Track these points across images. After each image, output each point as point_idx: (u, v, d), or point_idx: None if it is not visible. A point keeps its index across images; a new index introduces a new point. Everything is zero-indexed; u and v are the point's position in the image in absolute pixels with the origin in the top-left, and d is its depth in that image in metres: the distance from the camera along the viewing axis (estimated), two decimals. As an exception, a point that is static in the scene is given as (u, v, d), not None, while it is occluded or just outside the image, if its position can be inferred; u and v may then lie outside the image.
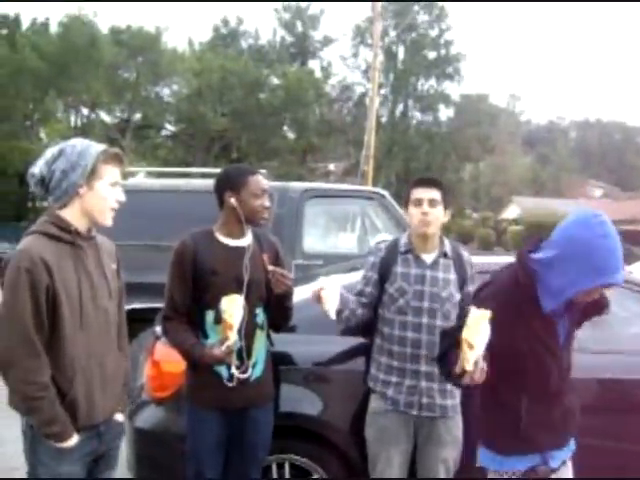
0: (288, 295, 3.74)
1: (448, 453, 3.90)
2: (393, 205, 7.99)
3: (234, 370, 3.63)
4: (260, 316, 3.76)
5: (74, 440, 2.99)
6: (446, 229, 4.01)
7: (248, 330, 3.64)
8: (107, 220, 3.12)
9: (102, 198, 3.06)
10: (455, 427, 3.94)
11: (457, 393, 3.95)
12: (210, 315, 3.66)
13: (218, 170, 9.78)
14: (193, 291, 3.66)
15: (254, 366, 3.72)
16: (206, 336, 3.67)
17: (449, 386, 3.89)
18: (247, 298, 3.54)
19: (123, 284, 3.43)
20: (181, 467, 4.22)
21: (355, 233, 8.82)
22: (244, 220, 3.68)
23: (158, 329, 4.67)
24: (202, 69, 40.90)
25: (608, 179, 76.16)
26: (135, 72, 40.51)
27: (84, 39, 34.95)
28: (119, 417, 3.32)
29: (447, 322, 3.88)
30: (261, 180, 3.72)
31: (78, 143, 3.08)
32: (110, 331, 3.22)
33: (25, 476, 3.13)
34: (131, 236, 7.16)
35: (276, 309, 3.80)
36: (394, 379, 3.91)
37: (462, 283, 3.97)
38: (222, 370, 3.62)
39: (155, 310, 6.20)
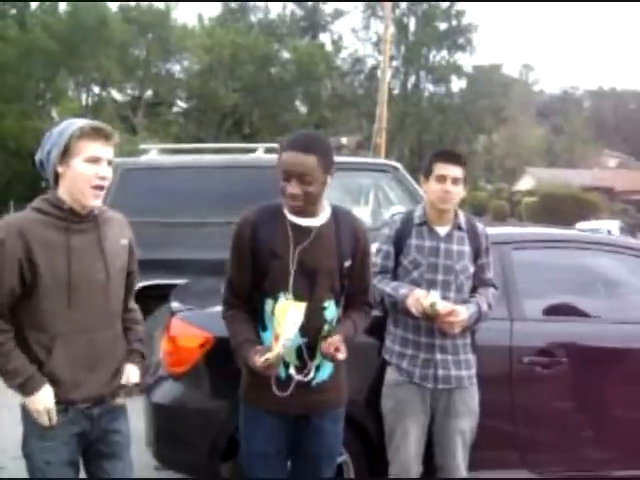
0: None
1: (465, 424, 3.90)
2: (406, 177, 7.95)
3: (292, 372, 3.15)
4: (330, 310, 3.19)
5: (45, 393, 2.93)
6: (460, 201, 3.98)
7: (313, 326, 3.09)
8: (89, 199, 2.97)
9: (78, 174, 2.94)
10: (470, 398, 3.94)
11: (473, 363, 3.96)
12: (270, 304, 3.13)
13: (230, 145, 9.76)
14: (253, 275, 3.17)
15: (318, 369, 3.20)
16: (264, 327, 3.18)
17: (464, 357, 3.91)
18: (310, 288, 3.11)
19: (135, 261, 3.33)
20: (199, 441, 4.29)
21: (369, 206, 8.79)
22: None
23: (174, 304, 4.69)
24: (212, 45, 40.83)
25: (623, 149, 75.54)
26: (145, 49, 40.59)
27: (94, 17, 34.95)
28: (119, 400, 3.20)
29: (461, 294, 3.89)
30: (288, 160, 3.02)
31: (64, 123, 3.03)
32: (108, 308, 3.12)
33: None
34: (145, 212, 7.18)
35: None
36: (409, 351, 3.90)
37: (476, 255, 3.95)
38: (280, 370, 3.12)
39: (170, 286, 6.25)
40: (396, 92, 48.79)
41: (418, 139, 49.05)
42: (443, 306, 3.66)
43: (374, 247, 4.04)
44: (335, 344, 3.00)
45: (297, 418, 3.23)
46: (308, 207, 3.09)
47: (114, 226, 3.19)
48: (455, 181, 3.81)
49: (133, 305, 3.43)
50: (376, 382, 4.09)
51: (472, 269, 3.93)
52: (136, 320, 3.40)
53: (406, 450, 3.89)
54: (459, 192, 3.84)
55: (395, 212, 4.59)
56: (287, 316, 2.93)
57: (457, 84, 53.18)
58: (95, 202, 3.00)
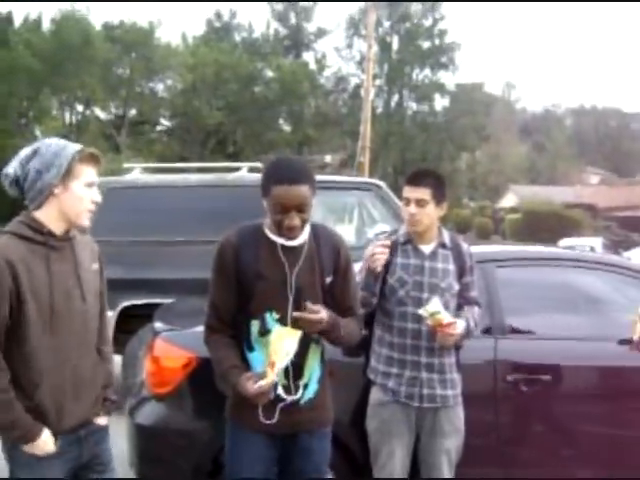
0: (327, 333, 3.16)
1: (451, 443, 3.89)
2: (390, 196, 7.97)
3: (280, 391, 3.13)
4: None
5: (44, 438, 2.90)
6: (443, 219, 4.00)
7: (300, 345, 3.03)
8: (84, 221, 3.03)
9: (78, 198, 2.97)
10: (456, 417, 3.93)
11: (458, 383, 3.95)
12: (255, 325, 3.14)
13: (214, 164, 9.77)
14: (238, 297, 3.14)
15: (306, 387, 3.21)
16: (251, 349, 3.17)
17: (449, 376, 3.90)
18: (296, 308, 3.08)
19: (105, 285, 3.29)
20: (183, 463, 4.26)
21: (352, 224, 8.80)
22: (275, 229, 3.13)
23: (157, 325, 4.67)
24: (196, 63, 40.92)
25: (605, 166, 76.08)
26: (129, 68, 40.64)
27: (77, 36, 35.00)
28: (101, 420, 3.20)
29: (446, 312, 3.88)
30: (284, 195, 2.99)
31: (53, 142, 3.00)
32: (87, 335, 3.10)
33: None
34: (129, 232, 7.17)
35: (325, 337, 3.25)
36: (394, 370, 3.89)
37: (461, 273, 3.96)
38: None
39: (153, 306, 6.23)
40: (380, 110, 48.99)
41: (402, 157, 49.20)
42: (446, 316, 3.64)
43: (358, 266, 4.05)
44: (304, 318, 3.02)
45: (284, 438, 3.21)
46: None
47: (86, 250, 3.17)
48: (419, 202, 3.80)
49: (107, 336, 3.36)
50: (361, 402, 4.07)
51: (457, 287, 3.93)
52: (106, 359, 3.33)
53: (392, 469, 3.86)
54: (427, 213, 3.82)
55: (379, 231, 4.60)
56: (283, 345, 2.93)
57: (440, 102, 53.34)
58: (86, 222, 3.05)
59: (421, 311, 3.67)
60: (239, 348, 3.18)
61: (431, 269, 3.88)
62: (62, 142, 3.03)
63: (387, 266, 3.91)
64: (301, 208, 3.02)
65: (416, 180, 3.86)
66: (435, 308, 3.63)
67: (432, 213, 3.85)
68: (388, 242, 3.83)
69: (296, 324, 3.04)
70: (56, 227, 2.98)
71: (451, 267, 3.92)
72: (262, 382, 2.88)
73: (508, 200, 55.69)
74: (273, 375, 2.89)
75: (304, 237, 3.19)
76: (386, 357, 3.93)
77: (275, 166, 3.12)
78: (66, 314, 2.96)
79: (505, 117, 70.95)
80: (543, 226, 35.46)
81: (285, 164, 3.14)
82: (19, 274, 2.82)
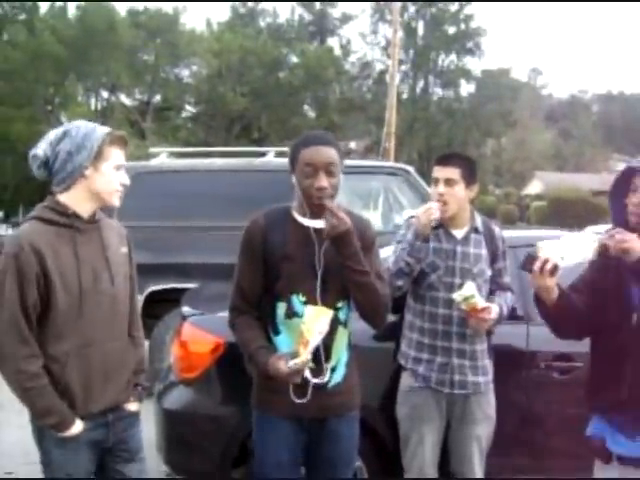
0: (346, 256, 2.99)
1: (481, 430, 3.85)
2: (418, 181, 7.92)
3: (308, 374, 3.06)
4: (344, 311, 3.18)
5: (77, 428, 2.92)
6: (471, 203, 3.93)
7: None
8: (115, 201, 3.06)
9: (108, 180, 3.00)
10: (487, 404, 3.89)
11: (490, 369, 3.91)
12: (282, 307, 3.09)
13: (240, 149, 9.72)
14: (264, 278, 3.13)
15: (334, 370, 3.16)
16: (277, 332, 3.13)
17: (481, 362, 3.85)
18: (323, 290, 3.05)
19: (135, 269, 3.29)
20: (211, 448, 4.25)
21: (379, 210, 8.74)
22: (304, 202, 3.08)
23: (185, 309, 4.66)
24: (221, 49, 40.90)
25: (631, 152, 75.32)
26: (154, 54, 40.73)
27: (102, 22, 35.09)
28: (132, 406, 3.19)
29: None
30: (314, 154, 3.01)
31: (82, 125, 3.00)
32: (116, 318, 3.10)
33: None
34: (156, 217, 7.16)
35: (350, 288, 3.10)
36: (425, 356, 3.85)
37: (493, 259, 3.91)
38: None
39: (179, 291, 6.23)
40: (405, 96, 48.80)
41: (427, 143, 49.01)
42: (481, 300, 3.60)
43: (388, 250, 4.00)
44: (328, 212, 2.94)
45: (312, 422, 3.16)
46: (329, 202, 3.03)
47: (113, 234, 3.17)
48: (448, 182, 3.75)
49: (138, 321, 3.35)
50: (390, 387, 4.05)
51: (489, 272, 3.88)
52: (138, 344, 3.32)
53: (422, 456, 3.84)
54: (455, 194, 3.77)
55: (410, 214, 4.53)
56: (317, 323, 2.89)
57: (466, 88, 53.10)
58: (117, 202, 3.08)
59: (455, 295, 3.62)
60: (265, 331, 3.16)
61: (463, 254, 3.83)
62: (91, 125, 3.03)
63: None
64: (330, 169, 3.00)
65: (445, 160, 3.82)
66: (470, 292, 3.58)
67: (461, 194, 3.79)
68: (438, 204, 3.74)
69: (325, 303, 3.02)
70: (83, 209, 2.99)
71: (483, 252, 3.87)
72: (297, 360, 2.84)
73: (534, 187, 55.36)
74: (307, 353, 2.85)
75: None
76: (417, 342, 3.90)
77: (302, 136, 3.16)
78: (94, 297, 2.96)
79: (531, 103, 70.46)
80: (569, 213, 35.20)
81: (312, 133, 3.19)
82: (45, 258, 2.83)
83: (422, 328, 3.87)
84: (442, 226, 3.88)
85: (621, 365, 3.02)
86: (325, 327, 2.89)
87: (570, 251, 2.85)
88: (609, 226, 3.22)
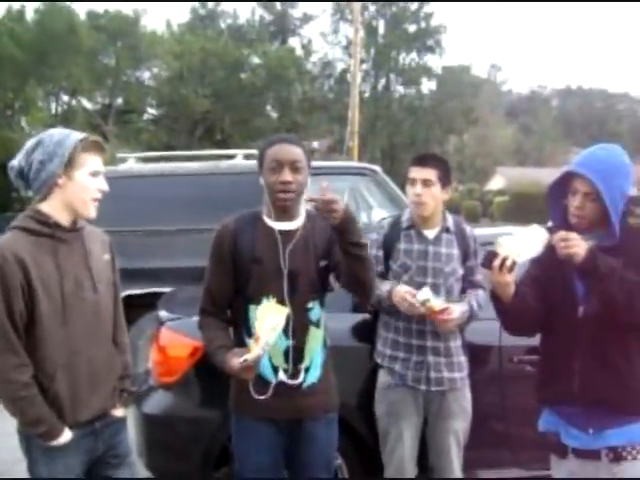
0: (348, 233, 2.93)
1: (458, 425, 3.94)
2: (386, 181, 7.96)
3: (281, 375, 3.17)
4: (315, 312, 3.22)
5: (65, 437, 2.94)
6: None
7: (299, 328, 3.15)
8: (89, 211, 3.00)
9: (82, 188, 2.96)
10: (463, 398, 3.97)
11: (465, 365, 3.99)
12: (254, 310, 3.11)
13: (209, 152, 9.67)
14: (235, 282, 3.19)
15: (307, 371, 3.21)
16: (251, 334, 3.12)
17: (456, 359, 3.94)
18: (292, 290, 3.13)
19: (118, 276, 3.31)
20: (192, 451, 4.28)
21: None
22: (270, 201, 3.17)
23: (162, 313, 4.68)
24: (182, 51, 40.63)
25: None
26: (115, 57, 40.34)
27: (62, 25, 34.70)
28: (118, 412, 3.21)
29: (451, 297, 3.92)
30: (278, 151, 3.10)
31: (57, 132, 2.99)
32: (100, 325, 3.11)
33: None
34: (127, 222, 7.15)
35: (348, 261, 3.04)
36: (401, 354, 3.92)
37: (465, 257, 3.99)
38: (268, 374, 3.17)
39: (152, 295, 6.22)
40: (367, 95, 48.84)
41: (390, 141, 49.08)
42: (438, 303, 3.68)
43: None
44: (319, 203, 2.83)
45: (290, 425, 3.22)
46: (295, 200, 3.14)
47: (96, 241, 3.18)
48: (426, 182, 3.83)
49: (122, 327, 3.37)
50: (368, 385, 4.12)
51: (461, 271, 3.97)
52: (123, 350, 3.34)
53: (401, 451, 3.91)
54: (432, 194, 3.85)
55: (382, 217, 4.60)
56: (267, 319, 2.94)
57: (427, 85, 53.12)
58: (93, 213, 3.02)
59: (414, 300, 3.70)
60: (238, 334, 3.25)
61: (435, 254, 3.91)
62: (66, 131, 3.02)
63: (390, 252, 3.96)
64: (295, 166, 3.10)
65: (423, 161, 3.89)
66: (424, 296, 3.67)
67: (438, 195, 3.87)
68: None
69: (289, 306, 3.07)
70: (62, 218, 2.98)
71: (455, 251, 3.96)
72: (247, 356, 2.88)
73: (496, 182, 55.76)
74: (258, 349, 2.88)
75: (299, 222, 3.24)
76: (392, 341, 3.97)
77: (269, 138, 3.28)
78: (78, 305, 2.98)
79: (492, 99, 70.98)
80: (532, 208, 35.39)
81: (278, 134, 3.36)
82: (29, 268, 2.84)
83: (397, 327, 3.94)
84: (413, 227, 3.96)
85: (570, 358, 3.10)
86: (279, 324, 2.93)
87: (525, 247, 2.93)
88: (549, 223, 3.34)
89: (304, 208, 3.26)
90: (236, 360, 2.91)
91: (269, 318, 2.94)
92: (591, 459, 3.05)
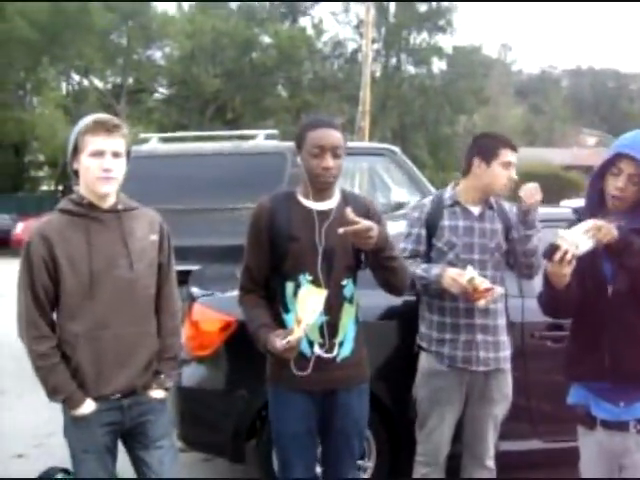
0: (381, 251, 3.13)
1: (498, 410, 3.98)
2: (405, 161, 8.00)
3: (317, 349, 3.25)
4: (348, 288, 3.30)
5: (87, 408, 3.06)
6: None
7: (333, 304, 3.21)
8: (99, 188, 3.07)
9: (85, 169, 3.08)
10: (506, 384, 4.00)
11: (508, 345, 4.01)
12: (290, 287, 3.24)
13: (231, 132, 9.72)
14: (271, 259, 3.27)
15: (341, 345, 3.30)
16: (287, 310, 3.26)
17: (502, 338, 3.96)
18: (328, 268, 3.21)
19: (167, 257, 3.37)
20: (224, 423, 4.42)
21: (363, 191, 8.82)
22: (309, 182, 3.25)
23: (194, 290, 4.80)
24: (193, 31, 40.51)
25: (601, 127, 75.70)
26: (127, 37, 40.19)
27: (74, 5, 34.51)
28: (154, 393, 3.26)
29: (498, 272, 3.96)
30: (322, 136, 3.16)
31: (81, 121, 3.14)
32: (134, 303, 3.18)
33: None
34: (151, 200, 7.23)
35: (379, 271, 3.26)
36: (448, 336, 3.90)
37: (507, 232, 4.00)
38: (305, 348, 3.23)
39: (179, 273, 6.32)
40: (377, 75, 48.65)
41: (400, 121, 48.92)
42: (481, 281, 3.68)
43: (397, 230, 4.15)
44: (350, 232, 2.97)
45: (324, 396, 3.31)
46: (333, 183, 3.24)
47: (143, 222, 3.27)
48: (513, 167, 3.93)
49: (170, 308, 3.41)
50: (404, 364, 4.18)
51: (505, 246, 3.98)
52: (168, 332, 3.38)
53: (439, 435, 3.96)
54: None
55: (414, 203, 4.65)
56: (309, 302, 3.03)
57: (438, 65, 52.83)
58: (106, 188, 3.09)
59: (462, 280, 3.70)
60: (275, 309, 3.31)
61: (480, 230, 3.94)
62: (87, 118, 3.15)
63: (434, 230, 3.97)
64: (336, 152, 3.17)
65: (515, 147, 3.95)
66: (470, 274, 3.69)
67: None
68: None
69: (325, 283, 3.19)
70: (93, 198, 3.13)
71: (499, 226, 3.98)
72: (290, 337, 2.97)
73: (506, 163, 55.41)
74: (300, 331, 2.98)
75: (334, 201, 3.31)
76: (438, 323, 3.96)
77: (310, 118, 3.33)
78: (108, 281, 3.09)
79: (502, 79, 70.53)
80: (541, 188, 35.37)
81: (319, 116, 3.38)
82: (54, 245, 3.02)
83: (442, 307, 3.93)
84: (458, 204, 3.99)
85: (600, 336, 3.19)
86: (319, 306, 3.03)
87: (582, 240, 2.97)
88: (581, 200, 3.42)
89: (337, 189, 3.35)
90: (278, 341, 2.99)
91: (310, 301, 3.03)
92: (619, 430, 3.15)
